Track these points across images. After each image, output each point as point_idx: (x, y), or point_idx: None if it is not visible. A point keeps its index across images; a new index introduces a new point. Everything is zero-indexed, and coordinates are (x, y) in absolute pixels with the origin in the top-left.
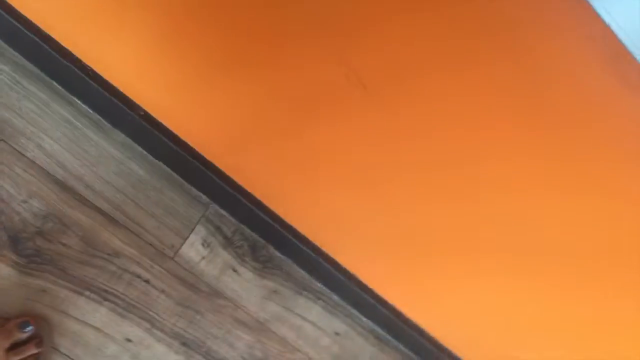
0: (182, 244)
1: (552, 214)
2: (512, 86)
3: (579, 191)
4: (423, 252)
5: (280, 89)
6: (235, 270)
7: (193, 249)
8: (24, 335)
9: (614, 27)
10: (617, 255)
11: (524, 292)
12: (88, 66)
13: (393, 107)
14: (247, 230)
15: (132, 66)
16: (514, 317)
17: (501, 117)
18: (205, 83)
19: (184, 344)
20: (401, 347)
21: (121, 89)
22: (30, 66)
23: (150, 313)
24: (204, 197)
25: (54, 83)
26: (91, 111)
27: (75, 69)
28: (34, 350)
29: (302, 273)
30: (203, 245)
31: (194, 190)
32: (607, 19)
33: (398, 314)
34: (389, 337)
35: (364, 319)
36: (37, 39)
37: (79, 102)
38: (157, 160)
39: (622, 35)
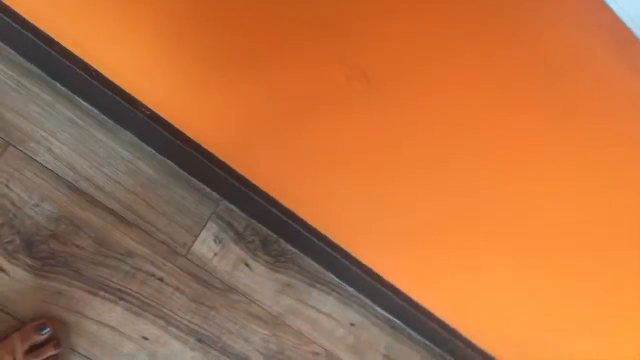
0: (194, 242)
1: (563, 201)
2: (517, 75)
3: (589, 177)
4: (435, 241)
5: (286, 86)
6: (248, 266)
7: (205, 246)
8: (41, 338)
9: (621, 13)
10: (630, 245)
11: (537, 278)
12: (91, 67)
13: (398, 100)
14: (259, 225)
15: (136, 65)
16: (528, 302)
17: (507, 106)
18: (211, 81)
19: (200, 340)
20: (416, 336)
21: (126, 89)
22: (34, 69)
23: (166, 311)
24: (214, 194)
25: (59, 85)
26: (97, 111)
27: (79, 70)
28: (52, 352)
29: (315, 266)
30: (215, 241)
31: (204, 188)
32: (613, 6)
33: (412, 304)
34: (404, 326)
35: (379, 309)
36: (40, 42)
37: (84, 103)
38: (165, 159)
39: (628, 22)
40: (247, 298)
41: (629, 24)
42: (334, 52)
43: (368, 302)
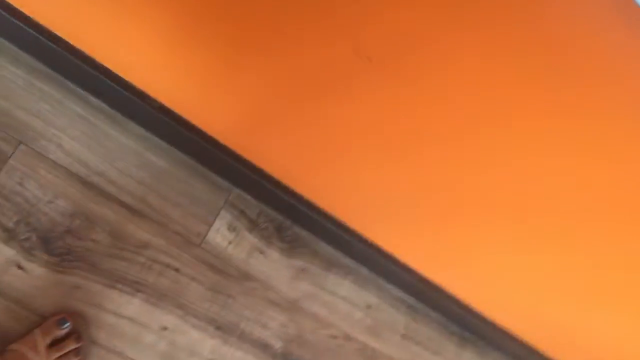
0: (208, 231)
1: (573, 173)
2: (522, 45)
3: (597, 148)
4: (448, 220)
5: (292, 70)
6: (262, 252)
7: (219, 235)
8: (62, 332)
9: None
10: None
11: (551, 252)
12: (98, 62)
13: (405, 76)
14: (271, 212)
15: (141, 58)
16: (542, 276)
17: (513, 77)
18: (216, 70)
19: (218, 328)
20: (434, 314)
21: (133, 82)
22: (42, 67)
23: (183, 300)
24: (225, 182)
25: (67, 82)
26: (106, 106)
27: (85, 66)
28: (73, 345)
29: (329, 250)
30: (229, 230)
31: (215, 177)
32: None
33: (428, 283)
34: (421, 305)
35: (395, 290)
36: (46, 40)
37: (93, 98)
38: (175, 150)
39: None
40: (263, 284)
41: None
42: (341, 31)
43: (384, 283)
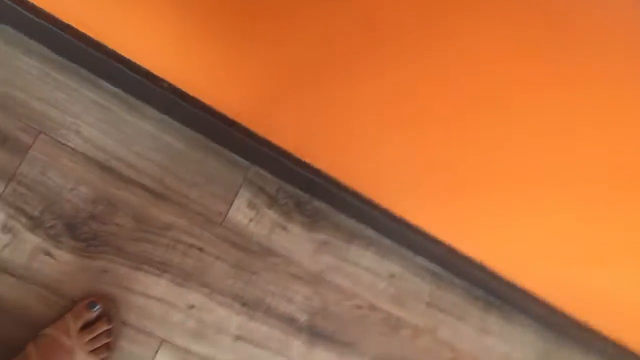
0: (228, 209)
1: (590, 140)
2: (531, 17)
3: (613, 115)
4: (465, 186)
5: (306, 44)
6: (283, 228)
7: (240, 213)
8: (93, 315)
9: None
10: None
11: (574, 214)
12: (109, 48)
13: (417, 48)
14: (290, 187)
15: (152, 41)
16: (566, 239)
17: (525, 50)
18: (226, 48)
19: (244, 304)
20: (457, 280)
21: (145, 65)
22: (55, 56)
23: (208, 279)
24: (243, 160)
25: (81, 69)
26: (120, 91)
27: (98, 53)
28: (104, 327)
29: (350, 222)
30: (249, 207)
31: (233, 155)
32: None
33: (451, 250)
34: (444, 272)
35: (418, 258)
36: (57, 29)
37: (107, 84)
38: (191, 131)
39: None
40: (285, 259)
41: None
42: (355, 1)
43: (407, 252)
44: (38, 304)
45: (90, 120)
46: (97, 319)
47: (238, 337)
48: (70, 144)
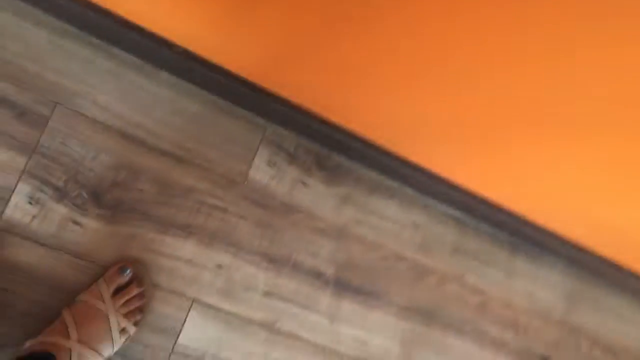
0: (249, 169)
1: (598, 79)
2: None
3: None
4: (485, 130)
5: None
6: (305, 184)
7: (260, 171)
8: (124, 279)
9: None
10: None
11: (598, 152)
12: (119, 15)
13: None
14: (309, 143)
15: (161, 5)
16: (592, 177)
17: None
18: (236, 7)
19: (270, 261)
20: (482, 225)
21: (156, 31)
22: (66, 26)
23: (234, 238)
24: (260, 119)
25: (92, 38)
26: (133, 57)
27: (108, 20)
28: (136, 291)
29: (371, 174)
30: (269, 165)
31: (249, 115)
32: None
33: (475, 196)
34: (469, 218)
35: (442, 206)
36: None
37: (120, 51)
38: (207, 93)
39: None
40: (309, 215)
41: None
42: None
43: (430, 201)
44: (70, 271)
45: (106, 88)
46: (129, 283)
47: (267, 294)
48: (87, 113)
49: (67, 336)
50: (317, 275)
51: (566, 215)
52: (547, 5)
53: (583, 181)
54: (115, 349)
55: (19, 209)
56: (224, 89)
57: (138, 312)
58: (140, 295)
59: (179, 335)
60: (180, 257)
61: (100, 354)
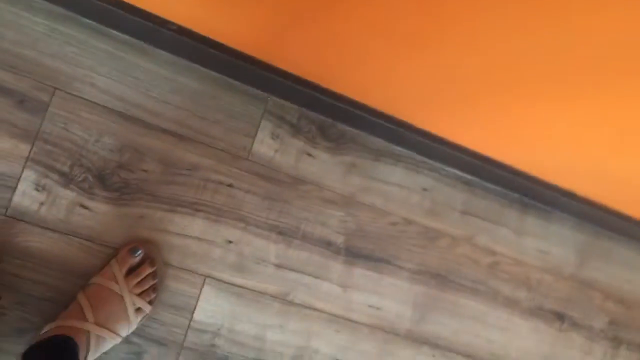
0: (252, 143)
1: (587, 33)
2: None
3: None
4: (487, 92)
5: None
6: (310, 154)
7: (264, 145)
8: (136, 260)
9: None
10: None
11: (599, 105)
12: None
13: None
14: (311, 114)
15: None
16: (600, 131)
17: None
18: None
19: (280, 233)
20: (491, 186)
21: (149, 9)
22: (59, 10)
23: (242, 213)
24: (260, 92)
25: (87, 20)
26: (129, 38)
27: (102, 1)
28: (149, 270)
29: (376, 141)
30: (272, 138)
31: (250, 89)
32: None
33: (482, 157)
34: (477, 179)
35: (449, 169)
36: None
37: (115, 32)
38: (205, 69)
39: None
40: (316, 185)
41: None
42: None
43: (437, 164)
44: (82, 255)
45: (104, 70)
46: (141, 263)
47: (278, 266)
48: (87, 96)
49: (84, 319)
50: (327, 245)
51: (573, 171)
52: None
53: (587, 135)
54: (132, 328)
55: (26, 196)
56: (222, 64)
57: (152, 291)
58: (153, 275)
59: (193, 311)
60: (189, 234)
61: (117, 334)
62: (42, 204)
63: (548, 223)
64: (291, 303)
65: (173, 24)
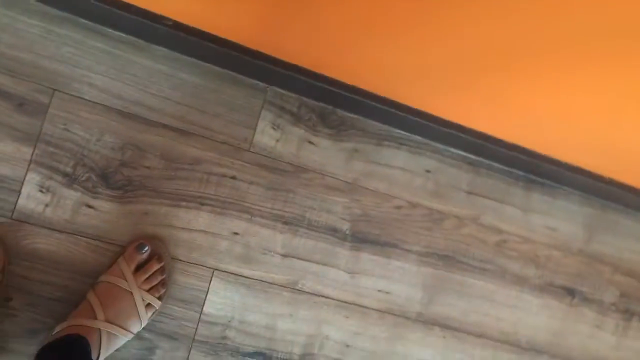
0: (253, 134)
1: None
2: None
3: None
4: (484, 68)
5: None
6: (311, 142)
7: (265, 135)
8: (143, 256)
9: None
10: None
11: (599, 76)
12: None
13: None
14: (311, 102)
15: None
16: (598, 102)
17: None
18: None
19: (285, 222)
20: (495, 164)
21: (144, 6)
22: (54, 11)
23: (246, 204)
24: (259, 83)
25: (82, 20)
26: (125, 35)
27: (98, 2)
28: (157, 266)
29: (377, 125)
30: (273, 128)
31: (248, 80)
32: None
33: (485, 136)
34: (480, 159)
35: (452, 150)
36: None
37: (110, 30)
38: (202, 63)
39: None
40: (319, 173)
41: None
42: None
43: (439, 145)
44: (89, 254)
45: (101, 69)
46: (149, 259)
47: (285, 255)
48: (86, 96)
49: (94, 317)
50: (333, 232)
51: (577, 145)
52: None
53: (588, 106)
54: (143, 324)
55: (31, 198)
56: (219, 57)
57: (161, 287)
58: (161, 270)
59: (203, 304)
60: (195, 228)
61: (128, 331)
62: (47, 205)
63: (554, 199)
64: (300, 291)
65: (169, 19)
